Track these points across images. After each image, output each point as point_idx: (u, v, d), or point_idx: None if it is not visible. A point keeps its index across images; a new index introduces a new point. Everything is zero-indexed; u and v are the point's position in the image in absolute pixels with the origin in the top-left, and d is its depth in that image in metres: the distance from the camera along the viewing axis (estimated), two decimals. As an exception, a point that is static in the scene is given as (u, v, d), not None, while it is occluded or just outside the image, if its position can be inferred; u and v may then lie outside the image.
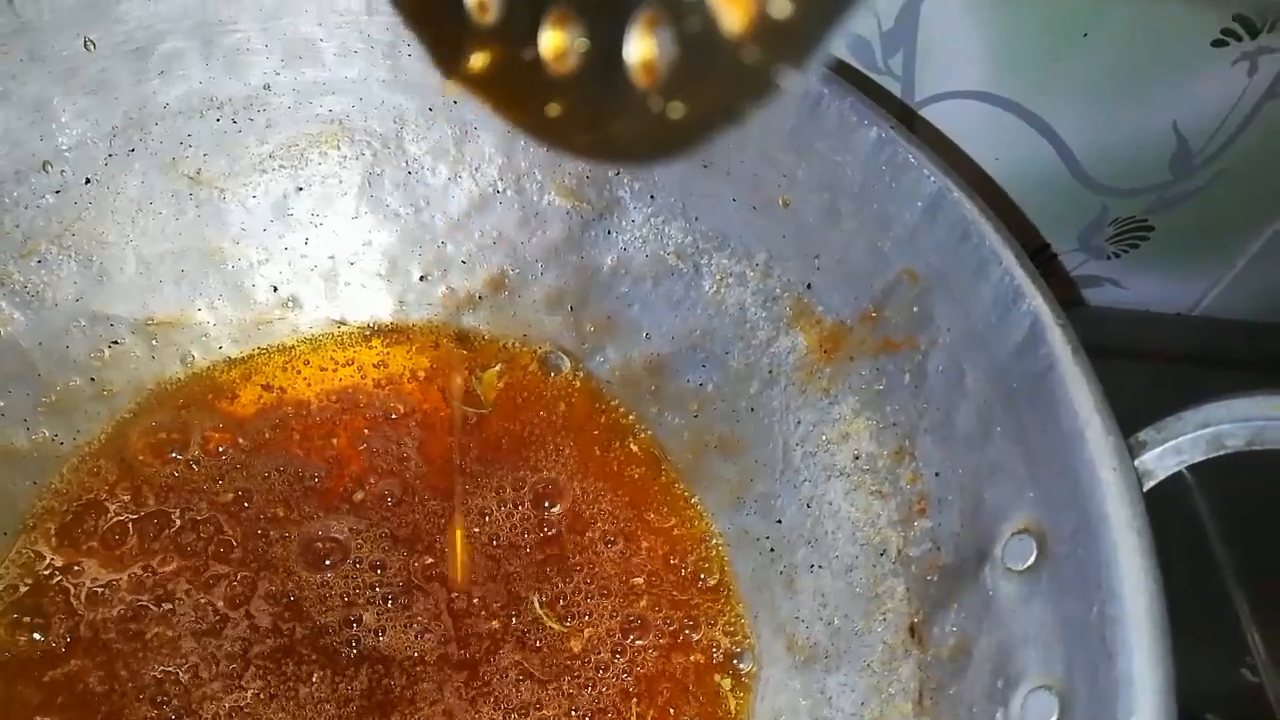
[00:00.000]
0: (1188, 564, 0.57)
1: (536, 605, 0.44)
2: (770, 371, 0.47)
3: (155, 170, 0.46)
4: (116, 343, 0.47)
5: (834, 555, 0.43)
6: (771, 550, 0.45)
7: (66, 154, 0.44)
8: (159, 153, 0.46)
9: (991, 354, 0.37)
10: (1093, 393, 0.33)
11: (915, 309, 0.41)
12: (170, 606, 0.42)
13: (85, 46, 0.42)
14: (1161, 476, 0.34)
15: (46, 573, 0.43)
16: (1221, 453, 0.33)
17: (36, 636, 0.41)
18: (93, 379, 0.47)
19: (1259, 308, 0.68)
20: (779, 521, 0.46)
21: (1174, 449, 0.34)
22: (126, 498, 0.45)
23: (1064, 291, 0.66)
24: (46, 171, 0.44)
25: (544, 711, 0.41)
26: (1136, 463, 0.33)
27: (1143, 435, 0.34)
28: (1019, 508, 0.35)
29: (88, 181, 0.45)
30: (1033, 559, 0.34)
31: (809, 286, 0.45)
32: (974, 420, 0.38)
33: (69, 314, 0.46)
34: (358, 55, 0.47)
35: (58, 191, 0.44)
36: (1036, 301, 0.36)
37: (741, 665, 0.44)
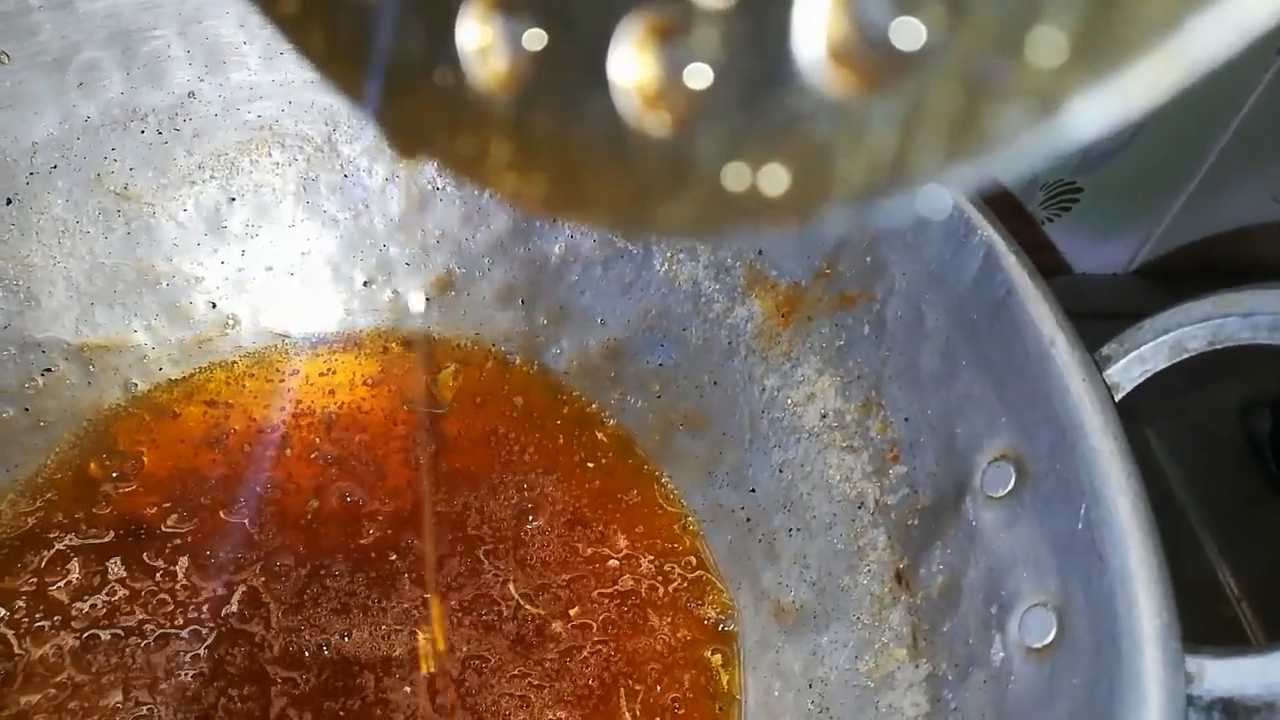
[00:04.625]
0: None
1: (514, 593, 0.42)
2: (729, 343, 0.47)
3: (80, 187, 0.45)
4: (50, 370, 0.45)
5: (811, 516, 0.43)
6: (748, 520, 0.45)
7: (-16, 173, 0.42)
8: (83, 169, 0.45)
9: (949, 290, 0.37)
10: (1053, 312, 0.34)
11: (868, 259, 0.41)
12: (121, 636, 0.40)
13: (-2, 59, 0.41)
14: (1128, 388, 0.34)
15: (-12, 613, 0.40)
16: (1184, 356, 0.34)
17: (-19, 679, 0.38)
18: (26, 409, 0.45)
19: (1189, 264, 0.69)
20: (753, 491, 0.45)
21: (1138, 358, 0.34)
22: (68, 529, 0.43)
23: (1044, 257, 0.66)
24: (-37, 192, 0.42)
25: (531, 697, 0.40)
26: (1104, 376, 0.33)
27: (1105, 350, 0.35)
28: (993, 435, 0.35)
29: (9, 202, 0.43)
30: (1012, 483, 0.34)
31: (760, 253, 0.45)
32: (938, 359, 0.38)
33: (-4, 342, 0.44)
34: (284, 57, 0.46)
35: (-23, 213, 0.43)
36: (988, 231, 0.36)
37: (729, 638, 0.43)
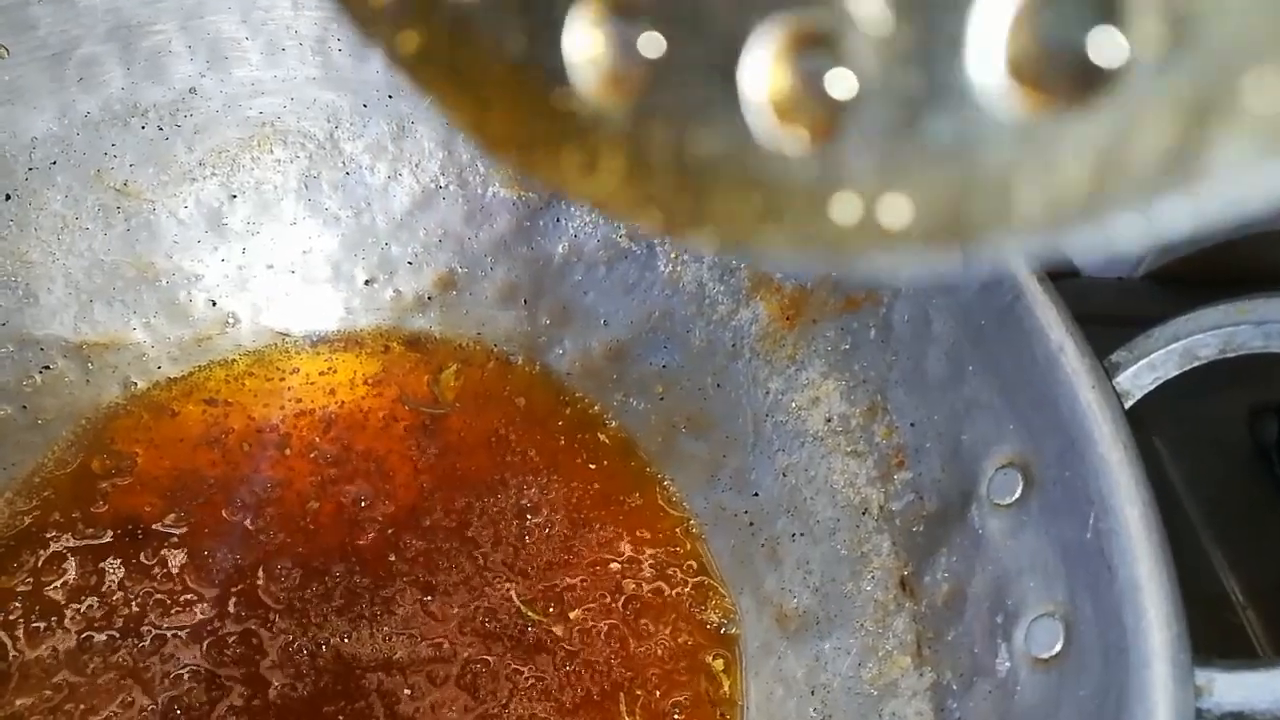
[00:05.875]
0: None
1: (516, 599, 0.42)
2: (733, 345, 0.46)
3: (79, 183, 0.44)
4: (48, 368, 0.45)
5: (815, 521, 0.42)
6: (750, 524, 0.44)
7: (-17, 168, 0.42)
8: (82, 164, 0.44)
9: (956, 295, 0.37)
10: (1062, 317, 0.33)
11: (875, 262, 0.41)
12: (117, 637, 0.40)
13: (-3, 53, 0.40)
14: (1138, 396, 0.34)
15: (-16, 612, 0.40)
16: (1195, 364, 0.33)
17: (-24, 679, 0.38)
18: (24, 407, 0.44)
19: (1201, 270, 0.69)
20: (755, 494, 0.45)
21: (1148, 365, 0.34)
22: (65, 528, 0.42)
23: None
24: (-38, 187, 0.41)
25: (533, 705, 0.39)
26: (1113, 384, 0.33)
27: (1115, 357, 0.34)
28: (1000, 442, 0.35)
29: (7, 198, 0.43)
30: (1019, 491, 0.34)
31: (765, 254, 0.45)
32: (944, 364, 0.38)
33: (-6, 339, 0.44)
34: (286, 53, 0.46)
35: (-25, 209, 0.42)
36: (997, 235, 0.36)
37: (731, 643, 0.42)
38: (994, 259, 0.11)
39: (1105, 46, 0.10)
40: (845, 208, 0.12)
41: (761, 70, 0.12)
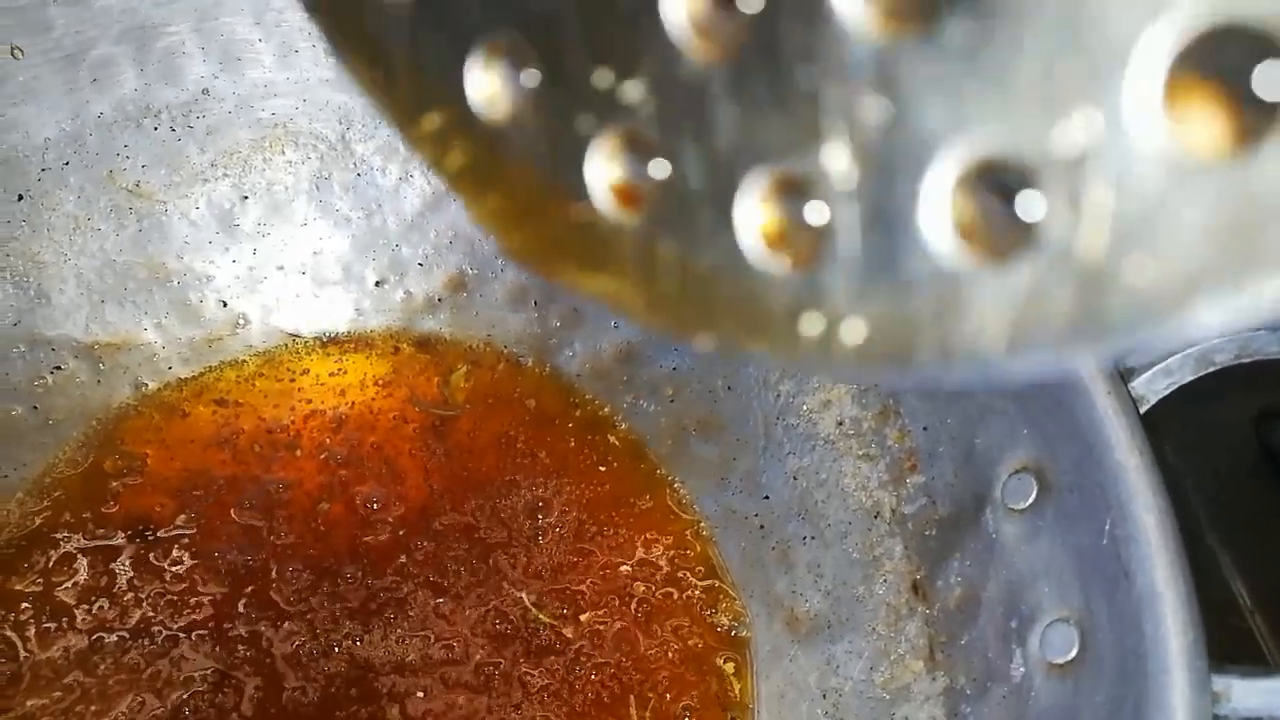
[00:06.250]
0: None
1: (527, 601, 0.42)
2: (744, 348, 0.46)
3: (92, 184, 0.44)
4: (59, 368, 0.45)
5: (826, 525, 0.42)
6: (761, 527, 0.44)
7: (-4, 168, 0.42)
8: (95, 165, 0.44)
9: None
10: (1077, 322, 0.33)
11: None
12: (128, 638, 0.40)
13: (12, 54, 0.40)
14: (1153, 401, 0.34)
15: (-5, 612, 0.40)
16: (1211, 369, 0.33)
17: (-12, 679, 0.38)
18: (35, 407, 0.44)
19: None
20: (766, 497, 0.45)
21: (1163, 370, 0.34)
22: (76, 529, 0.42)
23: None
24: (-25, 187, 0.42)
25: (544, 707, 0.39)
26: (1128, 388, 0.33)
27: (1130, 362, 0.34)
28: (1014, 447, 0.35)
29: (20, 198, 0.43)
30: (1034, 496, 0.34)
31: (776, 258, 0.45)
32: (958, 368, 0.38)
33: (7, 339, 0.44)
34: (299, 55, 0.46)
35: (-12, 209, 0.42)
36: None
37: (741, 646, 0.42)
38: (935, 378, 0.13)
39: (1028, 207, 0.12)
40: (814, 324, 0.14)
41: (752, 205, 0.14)
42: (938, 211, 0.12)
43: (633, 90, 0.14)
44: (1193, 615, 0.27)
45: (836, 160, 0.13)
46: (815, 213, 0.13)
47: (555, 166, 0.15)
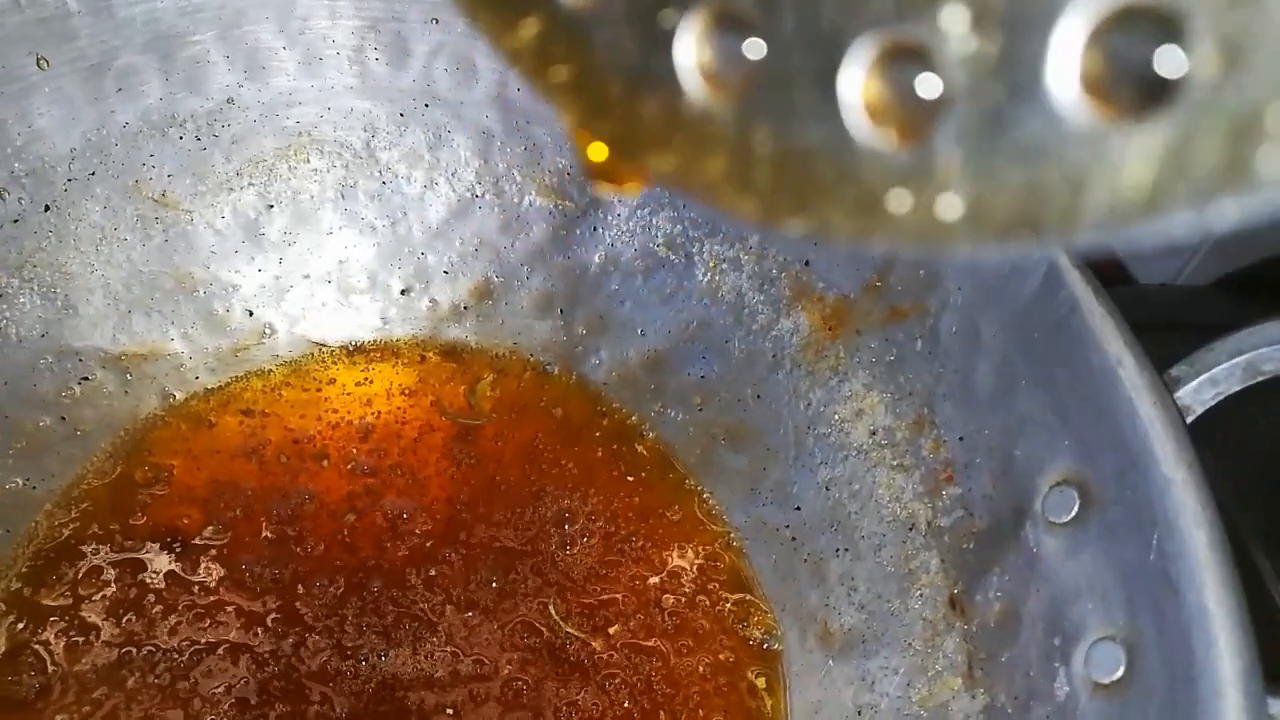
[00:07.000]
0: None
1: (555, 614, 0.41)
2: (774, 355, 0.46)
3: (118, 194, 0.44)
4: (87, 378, 0.45)
5: (860, 537, 0.41)
6: (793, 539, 0.43)
7: (23, 180, 0.42)
8: (121, 175, 0.44)
9: (1007, 306, 0.36)
10: (1120, 330, 0.32)
11: (921, 272, 0.40)
12: (155, 651, 0.39)
13: (38, 65, 0.40)
14: (1199, 411, 0.33)
15: (20, 625, 0.40)
16: (1259, 379, 0.32)
17: (13, 690, 0.38)
18: (63, 418, 0.44)
19: (1269, 278, 0.67)
20: (798, 508, 0.44)
21: (1210, 380, 0.33)
22: (103, 540, 0.42)
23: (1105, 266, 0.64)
24: (3, 199, 0.41)
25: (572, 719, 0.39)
26: (1174, 398, 0.32)
27: (1175, 371, 0.33)
28: (1055, 459, 0.34)
29: (46, 209, 0.43)
30: (1076, 509, 0.33)
31: (807, 264, 0.44)
32: (995, 377, 0.37)
33: (35, 350, 0.43)
34: (323, 63, 0.45)
35: (15, 220, 0.42)
36: (1050, 246, 0.35)
37: (773, 660, 0.42)
38: (1059, 247, 0.13)
39: (1168, 62, 0.11)
40: (917, 201, 0.13)
41: (858, 77, 0.13)
42: (1067, 70, 0.11)
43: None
44: (1246, 636, 0.26)
45: (956, 21, 0.12)
46: (928, 84, 0.12)
47: (643, 53, 0.15)
